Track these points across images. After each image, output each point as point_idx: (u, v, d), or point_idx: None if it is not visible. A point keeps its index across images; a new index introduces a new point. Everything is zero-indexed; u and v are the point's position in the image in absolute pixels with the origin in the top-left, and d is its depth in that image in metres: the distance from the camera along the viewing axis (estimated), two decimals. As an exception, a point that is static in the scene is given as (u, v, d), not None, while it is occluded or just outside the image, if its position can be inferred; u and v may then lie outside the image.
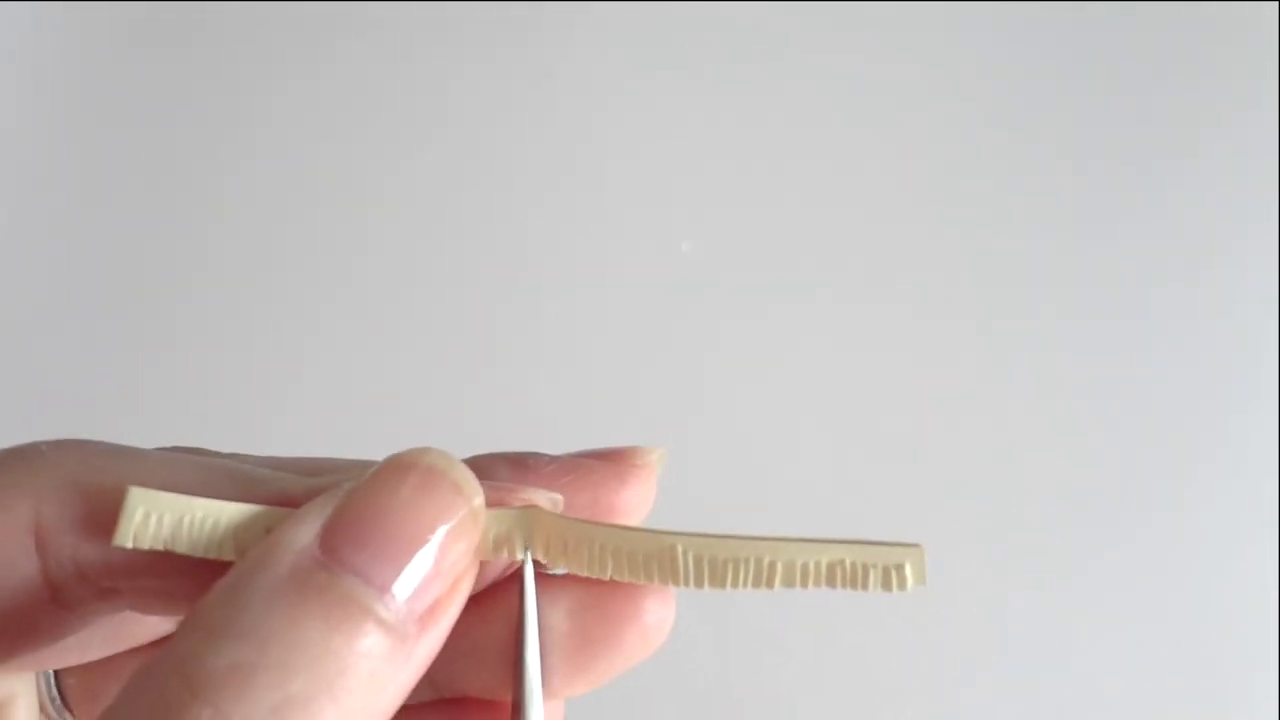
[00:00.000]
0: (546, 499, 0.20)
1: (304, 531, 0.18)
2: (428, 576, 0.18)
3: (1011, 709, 0.46)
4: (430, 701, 0.22)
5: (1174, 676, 0.46)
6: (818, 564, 0.19)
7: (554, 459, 0.22)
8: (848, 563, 0.19)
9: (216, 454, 0.23)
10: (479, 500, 0.19)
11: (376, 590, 0.17)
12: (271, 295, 0.52)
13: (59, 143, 0.54)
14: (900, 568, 0.18)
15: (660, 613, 0.21)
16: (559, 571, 0.20)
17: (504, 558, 0.20)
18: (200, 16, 0.55)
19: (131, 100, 0.54)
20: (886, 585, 0.18)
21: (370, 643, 0.17)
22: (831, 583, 0.19)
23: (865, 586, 0.18)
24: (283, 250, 0.52)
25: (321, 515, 0.18)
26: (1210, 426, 0.48)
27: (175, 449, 0.23)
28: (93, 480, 0.19)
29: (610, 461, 0.22)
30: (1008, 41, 0.53)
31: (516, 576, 0.20)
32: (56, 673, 0.24)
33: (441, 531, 0.18)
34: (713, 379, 0.50)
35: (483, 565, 0.20)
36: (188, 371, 0.51)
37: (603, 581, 0.20)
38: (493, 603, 0.21)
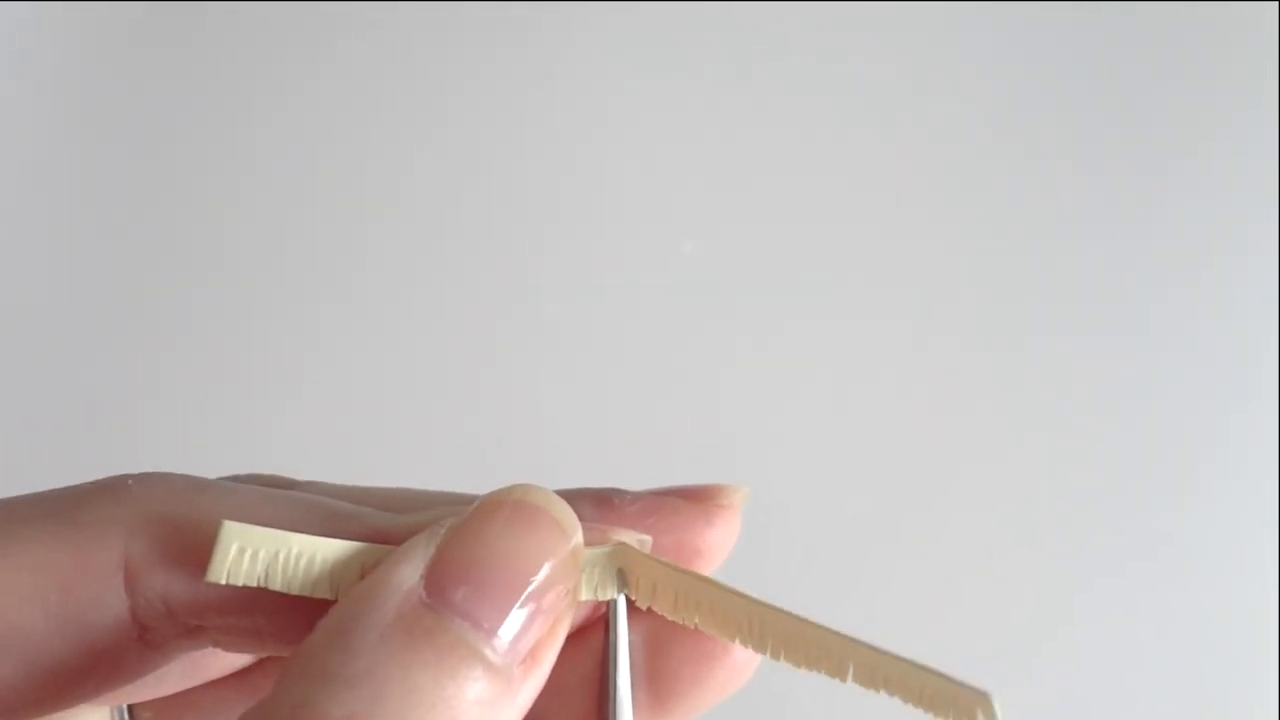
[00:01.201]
0: (635, 539, 0.20)
1: (408, 572, 0.17)
2: (531, 617, 0.18)
3: (1011, 709, 0.46)
4: None
5: (1174, 676, 0.46)
6: (890, 678, 0.18)
7: (637, 496, 0.22)
8: (920, 692, 0.18)
9: (294, 482, 0.22)
10: (579, 538, 0.19)
11: (485, 633, 0.17)
12: (272, 295, 0.52)
13: (59, 143, 0.54)
14: (971, 712, 0.18)
15: (749, 654, 0.20)
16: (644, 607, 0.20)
17: (598, 597, 0.20)
18: (200, 17, 0.55)
19: (131, 100, 0.54)
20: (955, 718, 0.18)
21: (480, 688, 0.17)
22: (904, 699, 0.19)
23: (934, 714, 0.18)
24: (282, 250, 0.52)
25: (425, 555, 0.18)
26: (1210, 427, 0.48)
27: (252, 476, 0.22)
28: (182, 515, 0.19)
29: (694, 501, 0.21)
30: (1008, 42, 0.53)
31: (605, 614, 0.20)
32: (131, 706, 0.24)
33: (545, 570, 0.18)
34: (713, 380, 0.50)
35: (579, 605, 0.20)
36: (188, 371, 0.51)
37: None
38: (578, 637, 0.21)
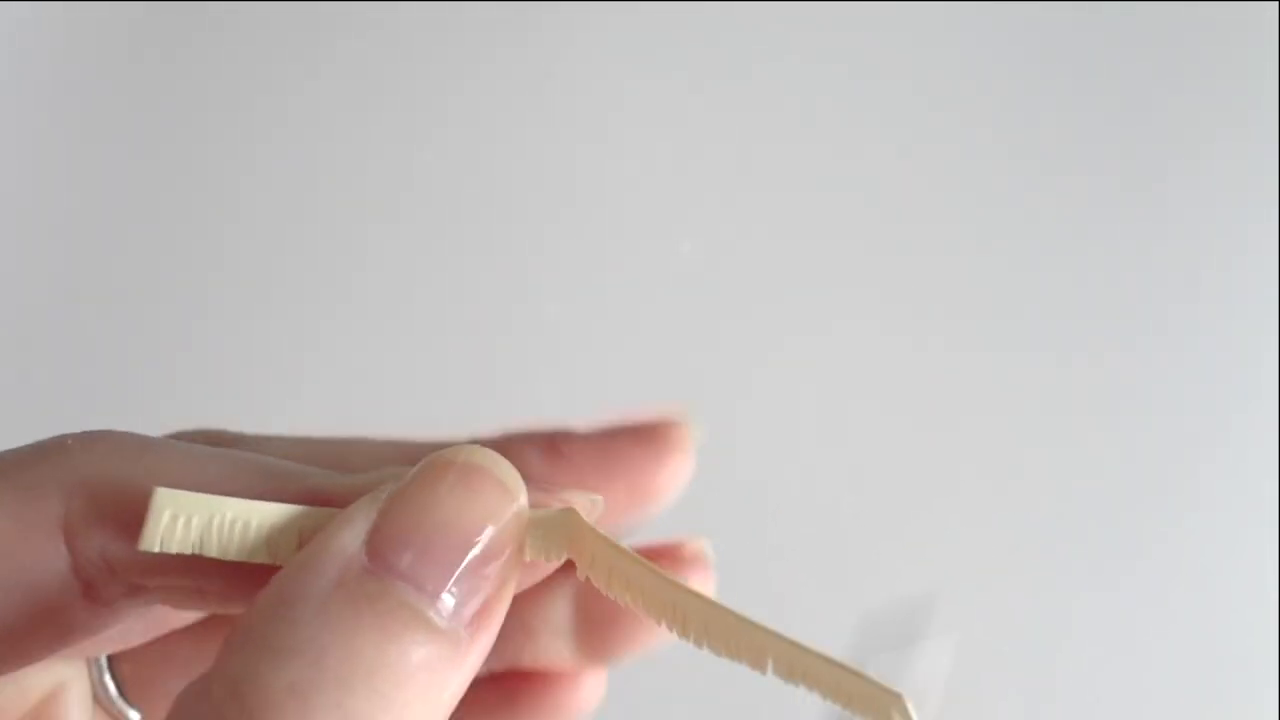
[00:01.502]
0: (586, 500, 0.20)
1: (350, 537, 0.17)
2: (477, 579, 0.17)
3: (1011, 708, 0.46)
4: (481, 677, 0.22)
5: (1174, 677, 0.46)
6: (809, 674, 0.18)
7: (585, 438, 0.21)
8: (838, 688, 0.18)
9: (239, 437, 0.22)
10: (524, 500, 0.18)
11: (429, 597, 0.17)
12: (271, 294, 0.52)
13: (59, 143, 0.54)
14: (886, 712, 0.18)
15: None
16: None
17: (544, 559, 0.19)
18: (200, 16, 0.55)
19: (131, 100, 0.54)
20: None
21: (426, 652, 0.17)
22: (822, 695, 0.18)
23: (851, 711, 0.18)
24: (282, 250, 0.52)
25: (367, 519, 0.17)
26: (1211, 427, 0.48)
27: (198, 432, 0.22)
28: (121, 476, 0.19)
29: (644, 442, 0.21)
30: (1007, 42, 0.53)
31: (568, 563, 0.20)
32: (110, 661, 0.24)
33: (489, 532, 0.18)
34: (713, 380, 0.50)
35: (531, 566, 0.19)
36: (188, 370, 0.51)
37: None
38: (546, 583, 0.21)
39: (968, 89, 0.53)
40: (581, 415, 0.49)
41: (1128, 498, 0.48)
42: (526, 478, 0.18)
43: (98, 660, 0.24)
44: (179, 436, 0.22)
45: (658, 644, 0.21)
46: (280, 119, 0.54)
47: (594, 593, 0.20)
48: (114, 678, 0.24)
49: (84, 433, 0.20)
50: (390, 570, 0.17)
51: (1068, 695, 0.46)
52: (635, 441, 0.21)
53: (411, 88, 0.54)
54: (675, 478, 0.21)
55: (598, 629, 0.21)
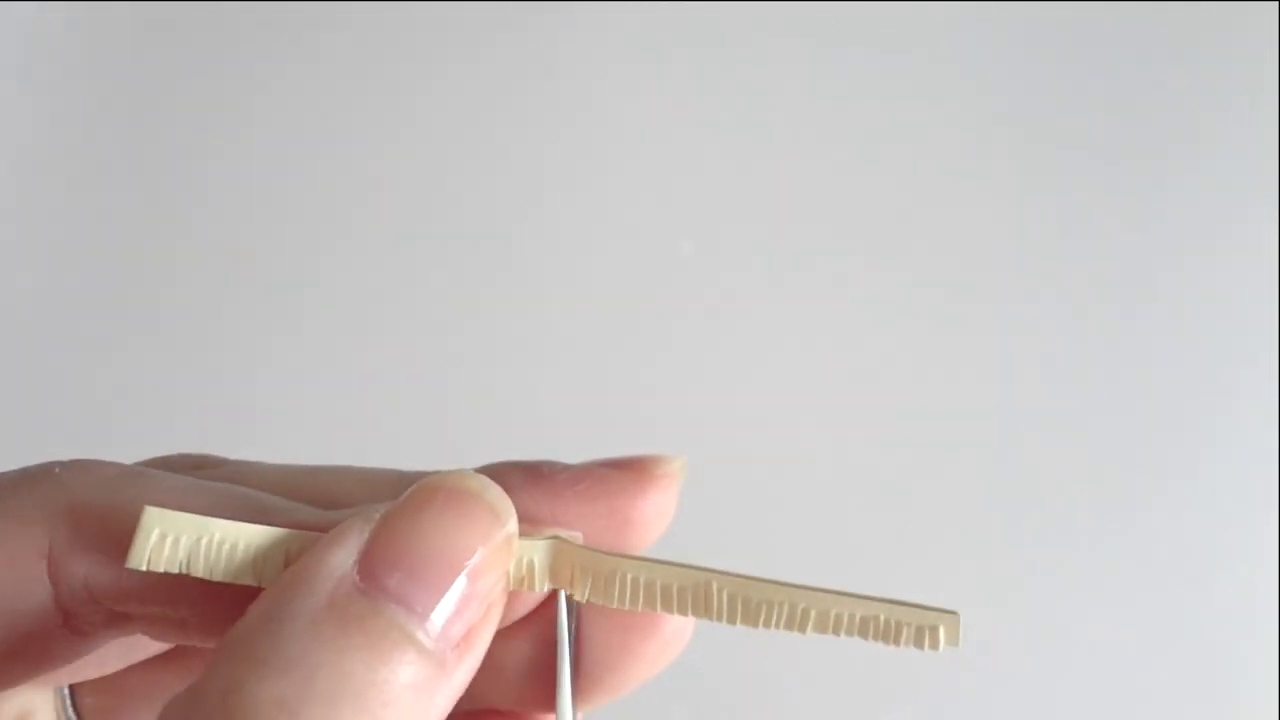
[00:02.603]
0: (566, 535, 0.20)
1: (342, 556, 0.17)
2: (464, 602, 0.18)
3: (1010, 708, 0.46)
4: (456, 714, 0.22)
5: (1174, 677, 0.46)
6: (851, 616, 0.19)
7: (568, 466, 0.21)
8: (881, 619, 0.19)
9: (222, 462, 0.22)
10: (513, 525, 0.19)
11: (418, 618, 0.17)
12: (270, 295, 0.52)
13: (59, 143, 0.54)
14: (934, 629, 0.18)
15: (679, 624, 0.21)
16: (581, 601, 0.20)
17: (529, 589, 0.19)
18: (200, 16, 0.55)
19: (131, 100, 0.54)
20: (919, 643, 0.18)
21: (413, 672, 0.17)
22: (864, 634, 0.19)
23: (897, 642, 0.18)
24: (281, 250, 0.52)
25: (359, 540, 0.18)
26: (1211, 427, 0.48)
27: (181, 457, 0.22)
28: (106, 502, 0.19)
29: (628, 471, 0.21)
30: (1007, 42, 0.53)
31: (549, 602, 0.20)
32: (73, 691, 0.24)
33: (478, 556, 0.18)
34: (713, 382, 0.50)
35: (513, 596, 0.20)
36: (186, 370, 0.51)
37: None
38: (521, 621, 0.21)
39: (968, 89, 0.53)
40: (580, 413, 0.49)
41: (1128, 497, 0.48)
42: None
43: (60, 689, 0.24)
44: (162, 460, 0.23)
45: (651, 666, 0.21)
46: (280, 118, 0.54)
47: (581, 625, 0.20)
48: (75, 708, 0.24)
49: (71, 461, 0.20)
50: (382, 590, 0.17)
51: (1068, 695, 0.46)
52: (618, 469, 0.21)
53: (411, 87, 0.54)
54: (658, 509, 0.21)
55: (583, 665, 0.21)
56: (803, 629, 0.19)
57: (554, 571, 0.19)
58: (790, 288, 0.51)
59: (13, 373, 0.50)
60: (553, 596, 0.20)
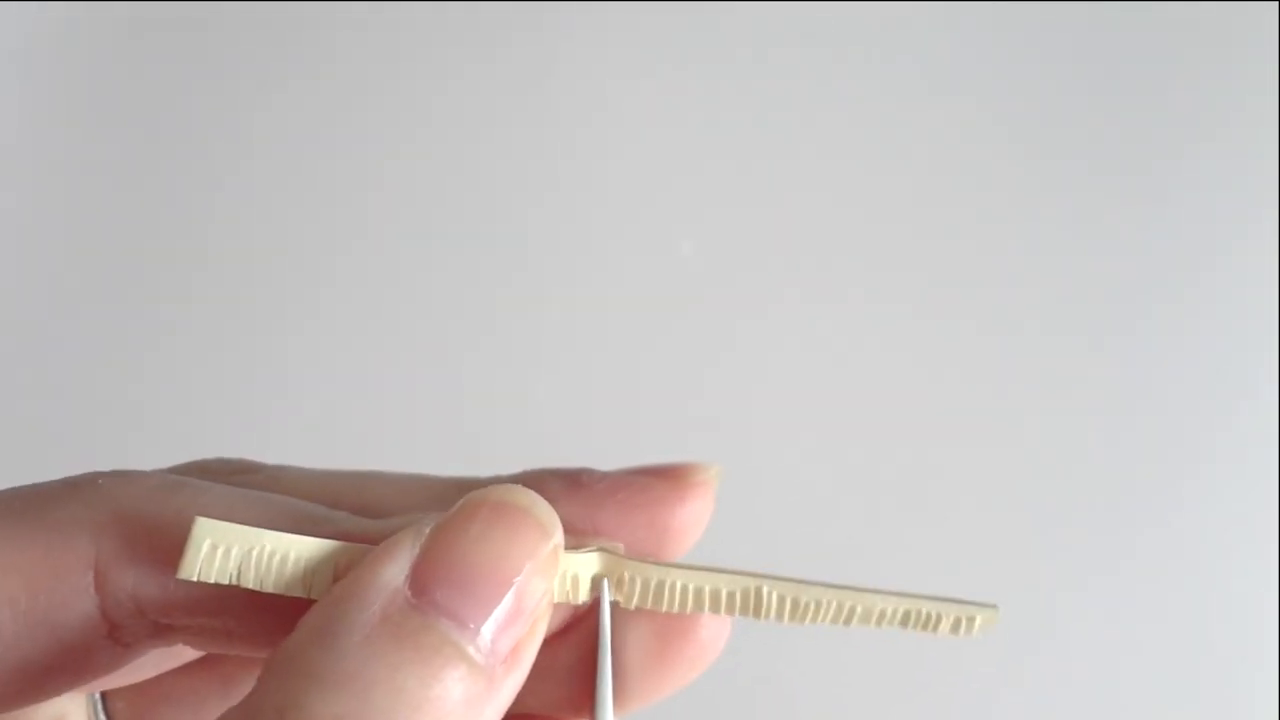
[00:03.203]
0: (609, 545, 0.20)
1: (394, 571, 0.17)
2: (513, 616, 0.18)
3: (1010, 708, 0.46)
4: None
5: (1174, 676, 0.46)
6: (894, 610, 0.20)
7: (606, 475, 0.22)
8: (922, 612, 0.20)
9: (258, 467, 0.22)
10: (559, 538, 0.19)
11: (470, 633, 0.17)
12: (270, 295, 0.52)
13: (59, 143, 0.54)
14: (971, 620, 0.20)
15: (716, 628, 0.21)
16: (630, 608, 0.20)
17: (577, 600, 0.20)
18: (201, 16, 0.55)
19: (131, 100, 0.54)
20: (956, 631, 0.20)
21: (465, 688, 0.17)
22: (904, 625, 0.20)
23: (936, 631, 0.20)
24: (282, 251, 0.52)
25: (410, 554, 0.18)
26: (1211, 427, 0.48)
27: (216, 461, 0.23)
28: (154, 513, 0.19)
29: (666, 479, 0.22)
30: (1007, 42, 0.53)
31: (588, 612, 0.21)
32: (104, 695, 0.24)
33: (526, 571, 0.18)
34: (713, 382, 0.50)
35: (556, 607, 0.20)
36: (187, 371, 0.51)
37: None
38: (562, 631, 0.21)
39: (969, 90, 0.53)
40: (581, 413, 0.49)
41: (1127, 497, 0.48)
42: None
43: (93, 695, 0.24)
44: (199, 466, 0.23)
45: (689, 670, 0.22)
46: (280, 118, 0.54)
47: (618, 634, 0.20)
48: (106, 712, 0.24)
49: (115, 471, 0.20)
50: (433, 605, 0.17)
51: (1067, 694, 0.46)
52: (657, 478, 0.22)
53: (411, 87, 0.54)
54: (696, 516, 0.22)
55: (622, 670, 0.21)
56: (848, 624, 0.20)
57: (600, 581, 0.20)
58: (791, 288, 0.51)
59: (24, 377, 0.50)
60: (593, 605, 0.20)
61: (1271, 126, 0.51)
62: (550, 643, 0.21)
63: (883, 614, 0.20)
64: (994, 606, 0.20)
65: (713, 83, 0.54)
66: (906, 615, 0.20)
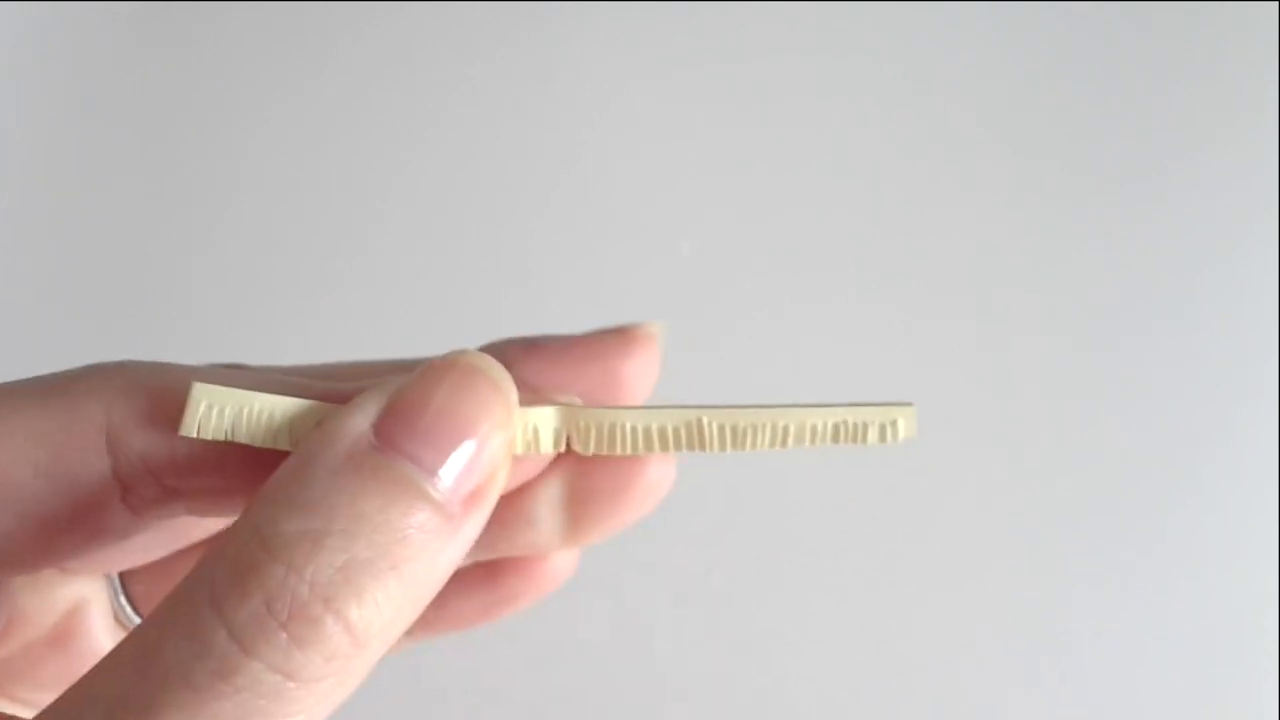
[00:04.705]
0: (565, 399, 0.23)
1: (360, 420, 0.20)
2: (471, 464, 0.20)
3: (1009, 707, 0.46)
4: (469, 565, 0.25)
5: (1174, 676, 0.46)
6: (824, 424, 0.22)
7: (561, 338, 0.24)
8: (849, 422, 0.22)
9: (250, 367, 0.25)
10: (514, 396, 0.21)
11: (426, 473, 0.19)
12: (270, 296, 0.52)
13: (59, 143, 0.54)
14: (894, 423, 0.21)
15: (662, 470, 0.24)
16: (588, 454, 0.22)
17: (539, 450, 0.22)
18: (201, 15, 0.55)
19: (131, 100, 0.54)
20: (883, 439, 0.21)
21: (422, 518, 0.19)
22: (836, 440, 0.22)
23: (865, 441, 0.21)
24: (282, 251, 0.52)
25: (376, 406, 0.20)
26: (1211, 427, 0.48)
27: (211, 366, 0.25)
28: (158, 383, 0.21)
29: (615, 335, 0.24)
30: (1007, 42, 0.53)
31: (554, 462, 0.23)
32: (123, 580, 0.26)
33: (482, 424, 0.20)
34: (714, 382, 0.50)
35: (517, 463, 0.22)
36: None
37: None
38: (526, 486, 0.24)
39: (968, 90, 0.53)
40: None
41: (1127, 496, 0.48)
42: (513, 377, 0.21)
43: (112, 579, 0.26)
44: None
45: (634, 518, 0.24)
46: (280, 118, 0.54)
47: (579, 478, 0.23)
48: (126, 594, 0.26)
49: (117, 361, 0.22)
50: (394, 448, 0.19)
51: (1066, 694, 0.46)
52: (607, 335, 0.25)
53: (411, 87, 0.54)
54: (644, 366, 0.25)
55: (585, 510, 0.24)
56: (784, 444, 0.22)
57: (559, 433, 0.22)
58: (791, 288, 0.51)
59: (8, 374, 0.50)
60: (556, 459, 0.23)
61: (1272, 127, 0.51)
62: (520, 492, 0.23)
63: (814, 430, 0.21)
64: (910, 404, 0.21)
65: (712, 83, 0.54)
66: (837, 429, 0.21)
